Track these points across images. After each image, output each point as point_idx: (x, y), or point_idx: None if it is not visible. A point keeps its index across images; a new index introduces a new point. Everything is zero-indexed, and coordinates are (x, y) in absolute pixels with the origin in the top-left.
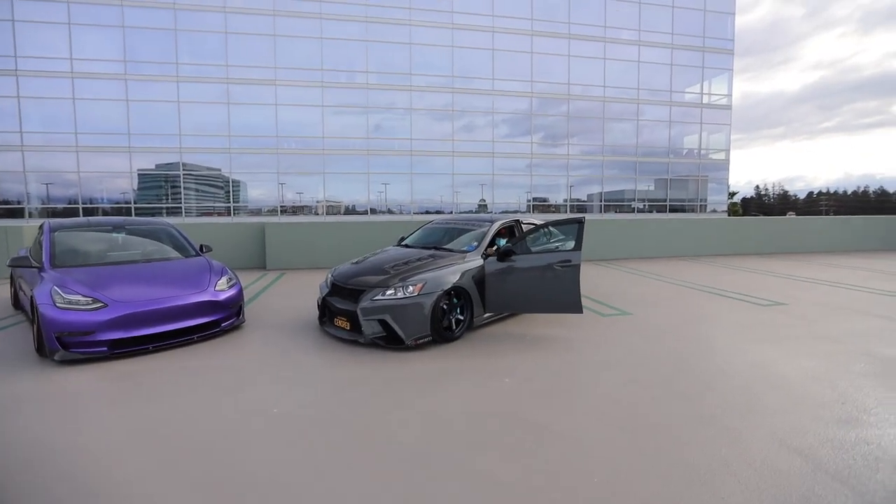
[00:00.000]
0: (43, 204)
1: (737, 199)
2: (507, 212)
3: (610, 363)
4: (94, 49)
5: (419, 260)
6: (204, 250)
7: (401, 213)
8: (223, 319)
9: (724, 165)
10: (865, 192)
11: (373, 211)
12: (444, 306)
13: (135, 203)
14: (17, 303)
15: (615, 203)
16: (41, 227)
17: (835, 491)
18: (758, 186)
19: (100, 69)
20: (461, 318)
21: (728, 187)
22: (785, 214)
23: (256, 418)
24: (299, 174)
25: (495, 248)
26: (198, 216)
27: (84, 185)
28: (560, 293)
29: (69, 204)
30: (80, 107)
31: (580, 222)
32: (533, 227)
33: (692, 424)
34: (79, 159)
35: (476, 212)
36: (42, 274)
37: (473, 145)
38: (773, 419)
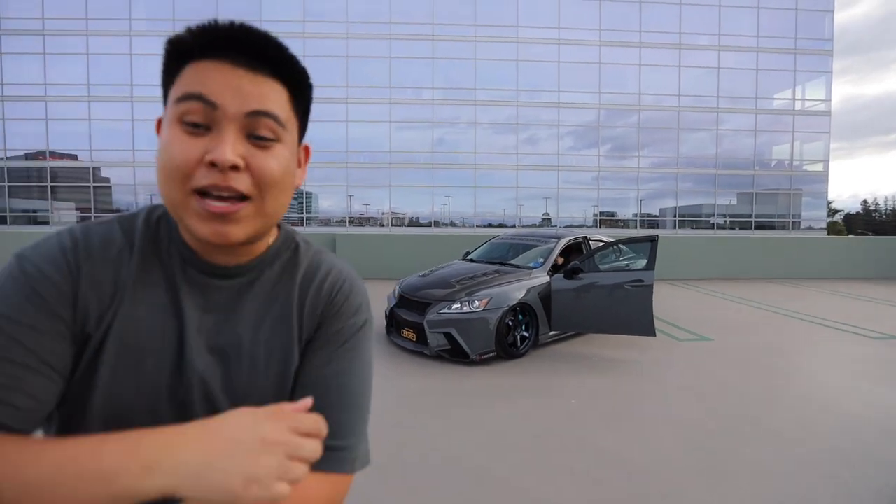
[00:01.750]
0: None
1: (839, 216)
2: (571, 226)
3: (685, 390)
4: None
5: (485, 275)
6: None
7: (463, 225)
8: None
9: (821, 177)
10: None
11: (436, 223)
12: (510, 322)
13: None
14: None
15: (691, 218)
16: None
17: None
18: (865, 201)
19: None
20: (526, 334)
21: (827, 202)
22: None
23: None
24: (367, 187)
25: (562, 264)
26: None
27: None
28: (631, 314)
29: None
30: None
31: (653, 241)
32: (602, 244)
33: (789, 467)
34: None
35: (539, 225)
36: None
37: (538, 158)
38: (889, 473)
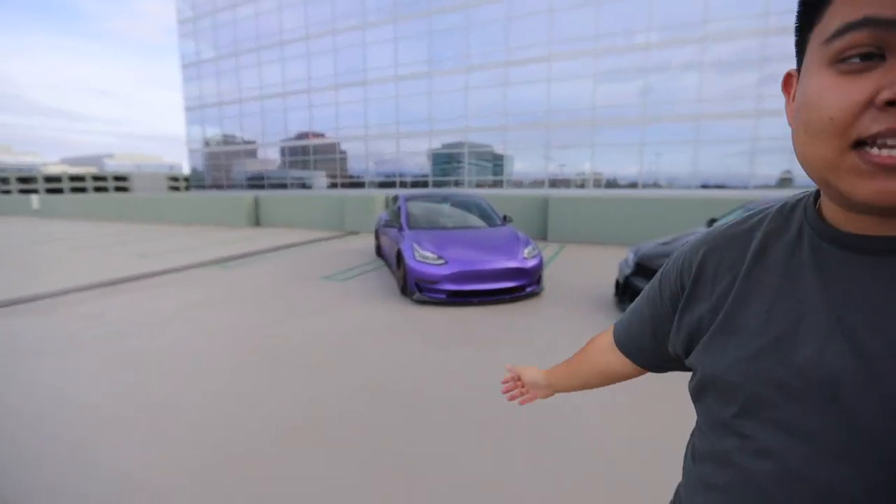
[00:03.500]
0: (373, 179)
1: None
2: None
3: None
4: (404, 55)
5: None
6: (507, 220)
7: (669, 186)
8: (527, 285)
9: None
10: None
11: (632, 185)
12: None
13: (432, 176)
14: (379, 253)
15: None
16: (395, 198)
17: None
18: None
19: (411, 70)
20: None
21: None
22: None
23: None
24: (566, 148)
25: None
26: (475, 188)
27: (399, 163)
28: None
29: (386, 178)
30: (400, 103)
31: None
32: None
33: None
34: (398, 144)
35: (777, 186)
36: (402, 233)
37: (780, 101)
38: None
